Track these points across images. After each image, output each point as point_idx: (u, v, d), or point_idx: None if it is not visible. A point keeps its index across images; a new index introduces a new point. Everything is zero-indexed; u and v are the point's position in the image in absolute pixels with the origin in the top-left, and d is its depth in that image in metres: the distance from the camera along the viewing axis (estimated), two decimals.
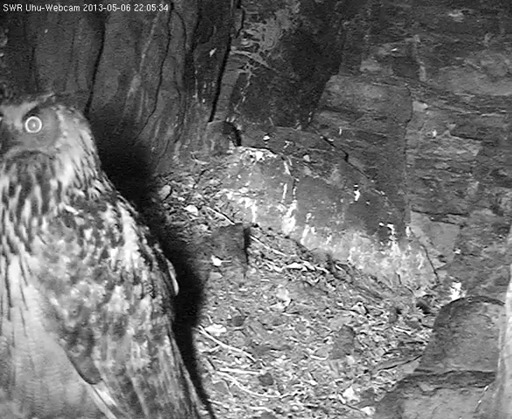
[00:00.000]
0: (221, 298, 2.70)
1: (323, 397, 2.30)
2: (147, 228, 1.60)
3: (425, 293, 3.59)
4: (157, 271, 1.58)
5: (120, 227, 1.49)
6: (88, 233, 1.44)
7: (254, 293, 2.79)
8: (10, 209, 1.42)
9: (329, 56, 4.70)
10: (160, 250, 1.64)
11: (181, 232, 3.10)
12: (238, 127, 4.28)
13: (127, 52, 3.44)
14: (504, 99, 4.27)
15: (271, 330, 2.59)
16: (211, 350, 2.40)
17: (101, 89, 3.37)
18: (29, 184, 1.43)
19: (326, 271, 3.16)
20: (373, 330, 2.73)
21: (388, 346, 2.66)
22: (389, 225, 3.72)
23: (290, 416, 2.18)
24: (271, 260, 3.07)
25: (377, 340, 2.67)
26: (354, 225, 3.62)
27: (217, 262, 2.87)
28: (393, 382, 2.38)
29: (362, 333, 2.68)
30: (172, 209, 3.32)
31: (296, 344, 2.55)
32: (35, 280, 1.41)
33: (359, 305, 2.87)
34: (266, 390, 2.27)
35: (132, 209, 1.57)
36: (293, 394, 2.29)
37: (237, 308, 2.66)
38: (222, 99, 4.35)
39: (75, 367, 1.47)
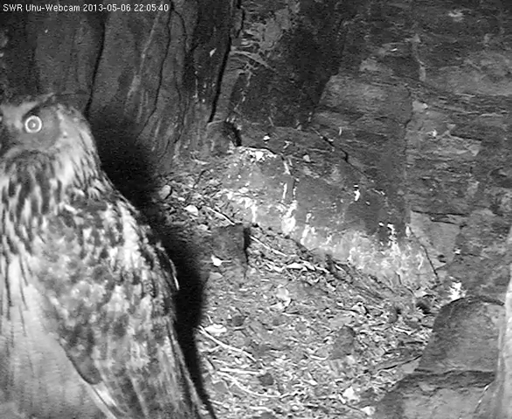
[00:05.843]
0: (221, 298, 2.70)
1: (323, 397, 2.30)
2: (148, 227, 1.60)
3: (425, 293, 3.59)
4: (158, 270, 1.58)
5: (119, 226, 1.49)
6: (87, 233, 1.44)
7: (254, 293, 2.79)
8: (11, 208, 1.42)
9: (329, 56, 4.70)
10: (162, 249, 1.64)
11: (181, 232, 3.10)
12: (238, 127, 4.28)
13: (127, 52, 3.44)
14: (504, 99, 4.26)
15: (271, 330, 2.59)
16: (210, 350, 2.40)
17: (101, 89, 3.37)
18: (29, 184, 1.43)
19: (326, 271, 3.16)
20: (373, 330, 2.73)
21: (388, 346, 2.66)
22: (389, 225, 3.72)
23: (290, 416, 2.18)
24: (271, 260, 3.07)
25: (377, 340, 2.67)
26: (354, 225, 3.62)
27: (217, 262, 2.87)
28: (393, 382, 2.38)
29: (362, 333, 2.68)
30: (172, 209, 3.32)
31: (296, 344, 2.54)
32: (35, 280, 1.41)
33: (359, 305, 2.87)
34: (266, 390, 2.27)
35: (132, 208, 1.57)
36: (293, 394, 2.29)
37: (237, 308, 2.66)
38: (222, 99, 4.34)
39: (75, 366, 1.47)
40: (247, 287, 2.81)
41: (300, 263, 3.10)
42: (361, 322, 2.75)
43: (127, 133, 3.48)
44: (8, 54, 3.40)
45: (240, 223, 3.24)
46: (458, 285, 3.51)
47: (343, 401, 2.30)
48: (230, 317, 2.60)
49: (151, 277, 1.54)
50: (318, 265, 3.17)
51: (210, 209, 3.39)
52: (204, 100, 4.05)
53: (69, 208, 1.45)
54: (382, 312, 2.89)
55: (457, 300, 2.67)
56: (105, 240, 1.45)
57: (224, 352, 2.42)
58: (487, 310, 2.30)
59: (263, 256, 3.10)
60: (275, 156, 3.59)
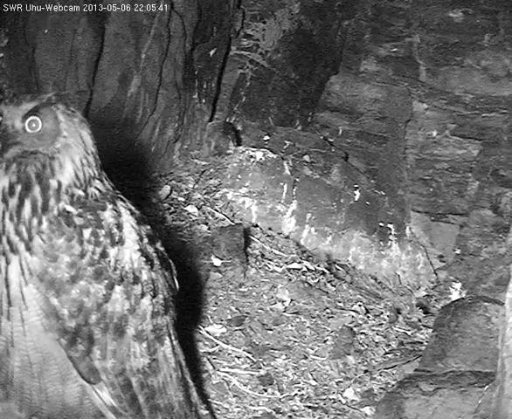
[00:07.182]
0: (221, 298, 2.70)
1: (323, 397, 2.30)
2: (148, 227, 1.60)
3: (425, 293, 3.59)
4: (159, 270, 1.58)
5: (119, 226, 1.49)
6: (87, 233, 1.44)
7: (254, 293, 2.79)
8: (10, 208, 1.42)
9: (329, 56, 4.70)
10: (162, 249, 1.64)
11: (181, 232, 3.10)
12: (238, 127, 4.28)
13: (127, 52, 3.44)
14: (504, 99, 4.27)
15: (271, 330, 2.59)
16: (210, 350, 2.40)
17: (101, 89, 3.37)
18: (29, 184, 1.43)
19: (326, 271, 3.16)
20: (373, 330, 2.73)
21: (388, 346, 2.66)
22: (389, 225, 3.72)
23: (290, 416, 2.18)
24: (271, 260, 3.07)
25: (377, 340, 2.67)
26: (354, 225, 3.62)
27: (217, 262, 2.87)
28: (393, 382, 2.38)
29: (362, 333, 2.68)
30: (172, 209, 3.32)
31: (296, 344, 2.54)
32: (35, 280, 1.41)
33: (359, 305, 2.87)
34: (266, 390, 2.27)
35: (133, 208, 1.57)
36: (293, 394, 2.29)
37: (237, 308, 2.66)
38: (222, 99, 4.35)
39: (75, 366, 1.47)
40: (247, 287, 2.81)
41: (300, 263, 3.10)
42: (361, 322, 2.74)
43: (127, 133, 3.48)
44: (8, 54, 3.41)
45: (240, 223, 3.24)
46: (458, 285, 3.51)
47: (343, 401, 2.30)
48: (230, 317, 2.60)
49: (151, 277, 1.54)
50: (318, 265, 3.17)
51: (210, 209, 3.39)
52: (204, 100, 4.05)
53: (69, 208, 1.45)
54: (382, 312, 2.89)
55: (457, 300, 2.67)
56: (105, 240, 1.45)
57: (224, 352, 2.42)
58: (487, 310, 2.30)
59: (263, 256, 3.10)
60: (275, 156, 3.59)
